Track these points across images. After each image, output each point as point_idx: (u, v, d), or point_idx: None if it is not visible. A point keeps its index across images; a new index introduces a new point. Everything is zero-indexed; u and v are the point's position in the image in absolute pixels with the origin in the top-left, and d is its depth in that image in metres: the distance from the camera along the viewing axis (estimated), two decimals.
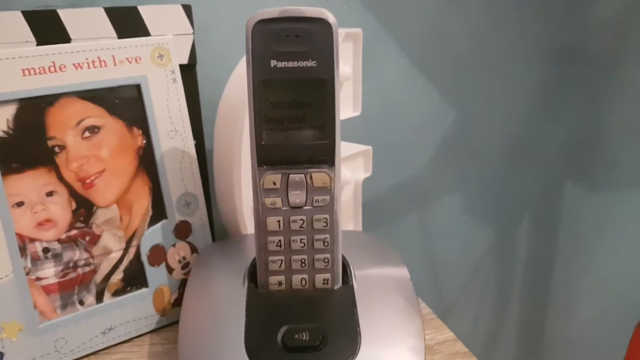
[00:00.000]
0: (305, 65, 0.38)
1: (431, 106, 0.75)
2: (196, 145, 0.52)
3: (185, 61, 0.54)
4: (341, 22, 0.39)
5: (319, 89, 0.39)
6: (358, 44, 0.55)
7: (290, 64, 0.38)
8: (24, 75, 0.43)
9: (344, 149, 0.57)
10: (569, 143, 0.85)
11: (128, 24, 0.51)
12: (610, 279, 0.94)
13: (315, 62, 0.38)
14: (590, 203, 0.89)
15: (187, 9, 0.52)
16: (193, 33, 0.54)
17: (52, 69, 0.44)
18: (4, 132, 0.42)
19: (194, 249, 0.51)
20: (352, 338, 0.39)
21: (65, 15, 0.49)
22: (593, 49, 0.81)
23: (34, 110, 0.44)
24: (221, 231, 0.58)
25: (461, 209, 0.83)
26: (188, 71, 0.53)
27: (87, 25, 0.50)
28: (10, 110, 0.43)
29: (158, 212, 0.49)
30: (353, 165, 0.59)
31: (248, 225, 0.52)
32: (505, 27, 0.75)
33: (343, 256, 0.44)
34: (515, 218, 0.88)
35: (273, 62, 0.38)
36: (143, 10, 0.50)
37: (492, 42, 0.75)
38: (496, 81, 0.78)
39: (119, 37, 0.51)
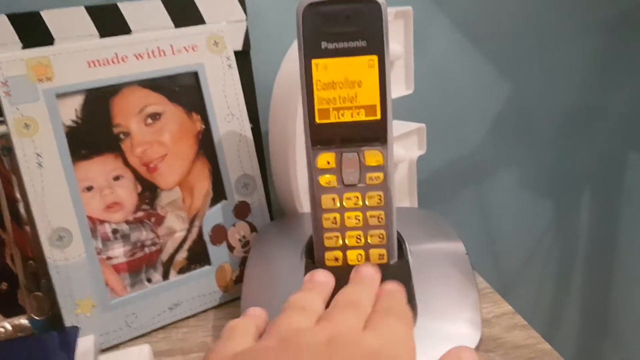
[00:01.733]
0: (355, 45, 0.39)
1: (484, 81, 0.74)
2: (252, 129, 0.54)
3: (239, 47, 0.56)
4: (391, 1, 0.39)
5: (370, 68, 0.39)
6: (409, 22, 0.55)
7: (341, 45, 0.39)
8: (89, 67, 0.45)
9: (398, 127, 0.58)
10: (629, 112, 0.83)
11: (184, 13, 0.53)
12: None
13: (365, 41, 0.39)
14: None
15: None
16: (246, 19, 0.56)
17: (115, 60, 0.46)
18: (72, 121, 0.45)
19: (253, 228, 0.53)
20: (408, 308, 0.39)
21: (125, 9, 0.52)
22: None
23: (99, 100, 0.46)
24: (278, 211, 0.59)
25: (518, 184, 0.82)
26: (242, 57, 0.55)
27: (146, 17, 0.52)
28: (78, 101, 0.45)
29: (218, 193, 0.51)
30: (407, 143, 0.60)
31: (304, 204, 0.53)
32: None
33: (398, 232, 0.45)
34: (575, 192, 0.86)
35: (324, 44, 0.39)
36: None
37: (545, 12, 0.73)
38: (551, 52, 0.76)
39: (176, 26, 0.53)
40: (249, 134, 0.52)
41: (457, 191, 0.79)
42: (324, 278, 0.32)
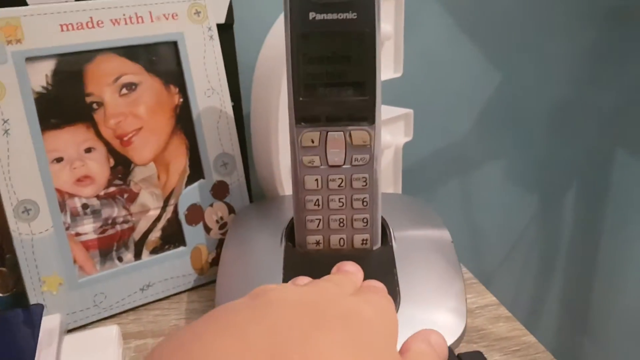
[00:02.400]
0: (345, 17, 0.37)
1: (475, 69, 0.73)
2: (234, 108, 0.51)
3: (222, 20, 0.53)
4: None
5: (360, 43, 0.37)
6: (400, 2, 0.53)
7: (330, 16, 0.37)
8: (62, 30, 0.43)
9: (384, 112, 0.56)
10: (618, 108, 0.82)
11: None
12: None
13: (355, 14, 0.37)
14: None
15: None
16: None
17: (89, 24, 0.43)
18: (42, 87, 0.43)
19: (231, 210, 0.51)
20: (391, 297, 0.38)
21: None
22: None
23: (72, 66, 0.43)
24: (258, 194, 0.57)
25: (504, 176, 0.81)
26: (225, 31, 0.53)
27: None
28: (49, 66, 0.43)
29: (195, 171, 0.49)
30: (393, 128, 0.58)
31: (285, 187, 0.51)
32: None
33: (382, 217, 0.43)
34: (560, 186, 0.86)
35: (312, 15, 0.37)
36: None
37: (540, 3, 0.72)
38: (543, 43, 0.75)
39: None
40: (229, 110, 0.50)
41: (442, 181, 0.78)
42: (352, 268, 0.29)
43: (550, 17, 0.74)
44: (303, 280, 0.29)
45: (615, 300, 0.94)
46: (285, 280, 0.39)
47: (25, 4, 0.47)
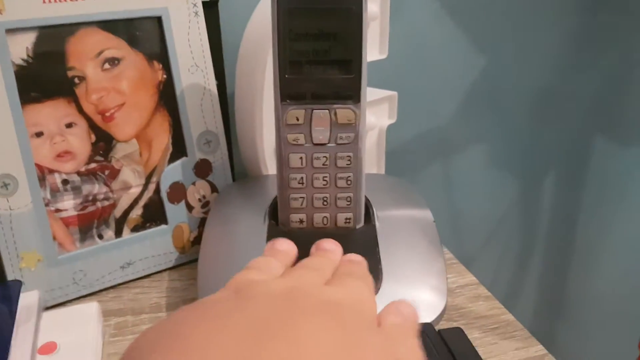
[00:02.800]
0: None
1: (459, 53, 0.73)
2: (218, 86, 0.51)
3: None
4: None
5: (346, 20, 0.37)
6: None
7: None
8: (44, 2, 0.42)
9: (369, 93, 0.56)
10: (599, 96, 0.83)
11: None
12: (635, 238, 0.93)
13: None
14: (619, 159, 0.86)
15: None
16: None
17: None
18: (23, 60, 0.42)
19: (214, 188, 0.51)
20: (373, 275, 0.37)
21: None
22: None
23: (54, 39, 0.43)
24: (241, 174, 0.57)
25: (486, 161, 0.81)
26: (210, 8, 0.52)
27: None
28: (30, 38, 0.42)
29: (178, 149, 0.49)
30: (377, 110, 0.58)
31: (269, 166, 0.51)
32: None
33: (366, 197, 0.43)
34: (541, 171, 0.86)
35: None
36: None
37: None
38: (527, 29, 0.75)
39: None
40: (213, 88, 0.50)
41: (425, 163, 0.78)
42: (285, 246, 0.30)
43: (533, 4, 0.74)
44: (282, 244, 0.29)
45: (589, 284, 0.95)
46: None
47: None
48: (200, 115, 0.49)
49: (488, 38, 0.73)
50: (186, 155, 0.49)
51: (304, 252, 0.40)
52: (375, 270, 0.38)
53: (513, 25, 0.74)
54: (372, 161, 0.60)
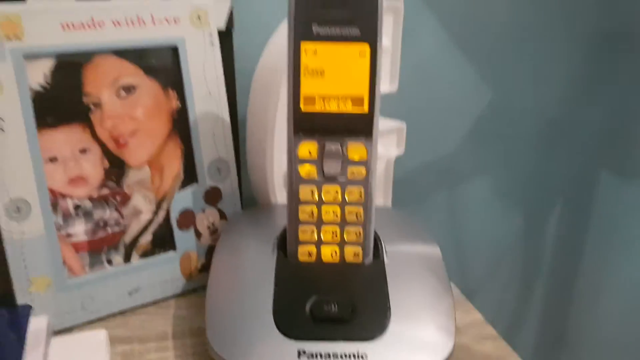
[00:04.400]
0: (348, 32, 0.38)
1: (467, 84, 0.74)
2: (230, 115, 0.51)
3: (222, 26, 0.53)
4: None
5: (361, 58, 0.38)
6: (399, 17, 0.53)
7: (333, 30, 0.37)
8: (63, 29, 0.42)
9: None
10: (606, 129, 0.83)
11: None
12: None
13: (358, 29, 0.37)
14: (626, 192, 0.86)
15: None
16: None
17: (90, 25, 0.43)
18: (41, 85, 0.42)
19: (223, 216, 0.51)
20: (381, 313, 0.38)
21: None
22: (636, 34, 0.79)
23: (71, 66, 0.43)
24: (248, 200, 0.57)
25: (492, 191, 0.82)
26: (224, 37, 0.52)
27: None
28: (48, 65, 0.42)
29: (189, 176, 0.49)
30: (386, 141, 0.58)
31: (278, 195, 0.51)
32: (547, 6, 0.73)
33: (375, 231, 0.43)
34: (546, 203, 0.87)
35: (315, 28, 0.37)
36: None
37: (533, 21, 0.73)
38: (535, 61, 0.76)
39: None
40: (226, 116, 0.50)
41: (431, 193, 0.78)
42: None
43: (542, 38, 0.75)
44: None
45: (592, 318, 0.95)
46: (277, 290, 0.39)
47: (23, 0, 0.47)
48: (212, 143, 0.49)
49: (495, 69, 0.74)
50: (197, 182, 0.49)
51: (312, 285, 0.40)
52: (384, 308, 0.38)
53: (521, 56, 0.75)
54: (379, 192, 0.60)
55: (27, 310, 0.41)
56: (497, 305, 0.92)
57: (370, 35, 0.37)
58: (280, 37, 0.48)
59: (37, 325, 0.40)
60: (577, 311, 0.96)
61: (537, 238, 0.89)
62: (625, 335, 0.90)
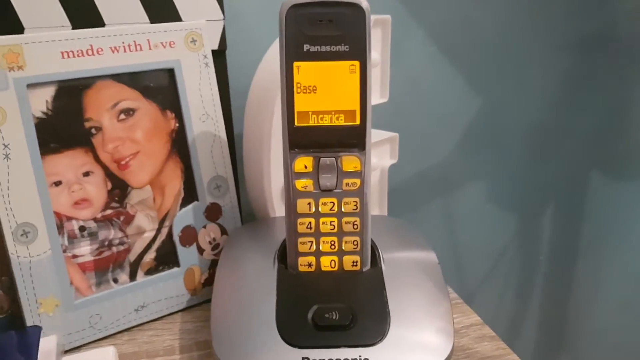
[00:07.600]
0: (338, 49, 0.39)
1: (457, 94, 0.75)
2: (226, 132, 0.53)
3: (215, 47, 0.55)
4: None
5: (351, 74, 0.39)
6: (387, 30, 0.55)
7: (323, 48, 0.39)
8: (63, 57, 0.44)
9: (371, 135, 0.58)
10: (595, 132, 0.85)
11: (160, 9, 0.52)
12: (635, 271, 0.94)
13: (347, 46, 0.39)
14: (616, 193, 0.88)
15: None
16: (223, 19, 0.55)
17: (89, 52, 0.45)
18: (43, 112, 0.44)
19: (223, 231, 0.52)
20: (381, 319, 0.39)
21: (100, 0, 0.50)
22: (620, 38, 0.80)
23: (71, 92, 0.45)
24: (247, 215, 0.58)
25: (485, 197, 0.83)
26: (218, 57, 0.54)
27: (121, 10, 0.51)
28: (50, 92, 0.44)
29: (189, 194, 0.50)
30: (379, 151, 0.60)
31: (276, 209, 0.53)
32: (532, 15, 0.75)
33: (372, 239, 0.45)
34: (539, 207, 0.88)
35: (306, 46, 0.39)
36: None
37: (519, 30, 0.75)
38: (523, 69, 0.77)
39: (151, 22, 0.52)
40: (223, 134, 0.52)
41: (426, 201, 0.79)
42: None
43: (528, 45, 0.76)
44: None
45: (590, 318, 0.96)
46: (279, 301, 0.40)
47: (21, 33, 0.48)
48: (210, 161, 0.51)
49: (484, 78, 0.76)
50: (197, 200, 0.51)
51: (313, 294, 0.41)
52: (383, 314, 0.39)
53: (509, 64, 0.77)
54: (375, 201, 0.61)
55: (36, 331, 0.42)
56: (495, 308, 0.93)
57: (359, 52, 0.39)
58: (272, 55, 0.50)
59: (47, 345, 0.41)
60: (574, 312, 0.97)
61: (531, 241, 0.90)
62: (621, 334, 0.91)
